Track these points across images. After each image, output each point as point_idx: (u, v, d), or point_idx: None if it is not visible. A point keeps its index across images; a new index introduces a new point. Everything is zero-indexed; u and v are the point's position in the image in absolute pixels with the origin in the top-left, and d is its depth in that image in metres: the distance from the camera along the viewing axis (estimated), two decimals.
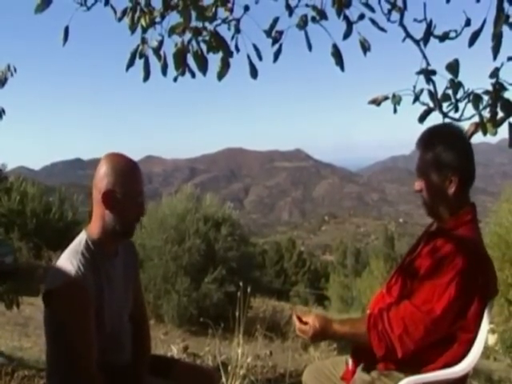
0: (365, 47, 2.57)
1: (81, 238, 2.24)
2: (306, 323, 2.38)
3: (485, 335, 2.23)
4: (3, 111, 4.40)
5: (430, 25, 2.35)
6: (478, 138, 2.42)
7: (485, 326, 2.25)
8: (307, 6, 2.50)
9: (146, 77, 2.51)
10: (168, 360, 2.76)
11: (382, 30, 2.49)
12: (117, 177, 2.19)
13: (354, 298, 34.75)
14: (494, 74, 2.18)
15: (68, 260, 2.14)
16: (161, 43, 2.43)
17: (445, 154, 2.28)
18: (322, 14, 2.49)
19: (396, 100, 2.37)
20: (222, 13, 2.43)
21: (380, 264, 32.63)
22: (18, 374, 4.61)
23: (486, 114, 2.31)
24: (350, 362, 2.47)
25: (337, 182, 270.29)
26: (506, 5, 2.10)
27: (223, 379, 4.51)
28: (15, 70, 4.43)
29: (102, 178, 2.20)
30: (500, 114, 2.26)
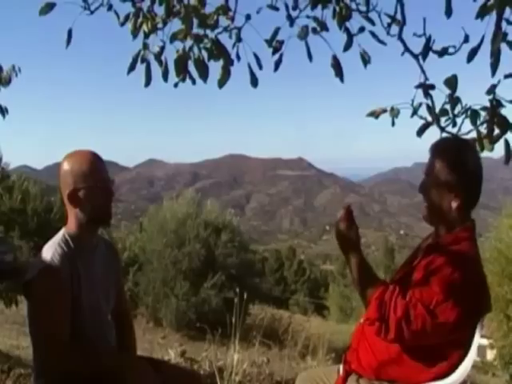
0: (365, 59, 2.59)
1: (60, 234, 2.36)
2: (350, 220, 2.38)
3: (476, 350, 2.25)
4: (6, 110, 4.43)
5: (429, 40, 2.37)
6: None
7: (476, 340, 2.27)
8: (308, 17, 2.52)
9: (148, 82, 2.54)
10: (154, 361, 2.77)
11: (382, 42, 2.51)
12: (74, 176, 2.30)
13: (353, 308, 34.62)
14: (491, 90, 2.19)
15: (45, 252, 2.27)
16: (162, 49, 2.46)
17: (461, 170, 2.26)
18: (322, 26, 2.51)
19: (394, 113, 2.39)
20: (224, 21, 2.46)
21: (380, 275, 32.49)
22: (14, 372, 4.64)
23: (483, 129, 2.33)
24: (342, 370, 2.48)
25: (338, 191, 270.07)
26: (503, 23, 2.12)
27: None
28: (20, 70, 4.46)
29: (63, 181, 2.33)
30: (496, 131, 2.28)
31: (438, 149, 2.36)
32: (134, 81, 2.56)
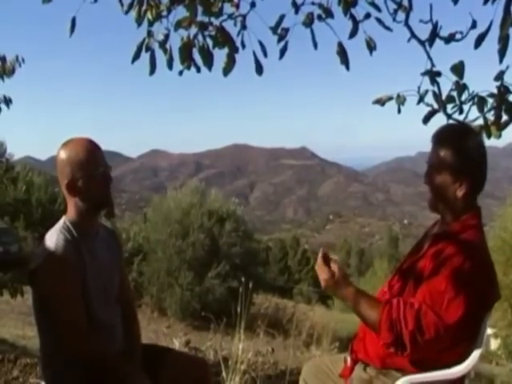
0: (371, 46, 2.58)
1: (61, 221, 2.36)
2: (328, 266, 2.31)
3: (485, 339, 2.24)
4: (10, 100, 4.44)
5: (435, 26, 2.35)
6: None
7: (485, 329, 2.26)
8: (313, 3, 2.51)
9: (152, 70, 2.53)
10: (160, 349, 2.79)
11: (388, 29, 2.50)
12: (71, 165, 2.29)
13: None
14: (499, 76, 2.18)
15: (48, 240, 2.27)
16: (167, 37, 2.45)
17: (464, 157, 2.25)
18: (328, 13, 2.50)
19: (400, 100, 2.38)
20: (229, 8, 2.45)
21: (384, 264, 32.63)
22: (20, 362, 4.68)
23: (491, 116, 2.31)
24: (349, 359, 2.48)
25: (342, 181, 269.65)
26: None
27: (223, 374, 4.54)
28: (23, 61, 4.48)
29: (61, 170, 2.32)
30: (504, 117, 2.26)
31: (440, 137, 2.34)
32: (138, 71, 2.55)
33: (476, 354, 2.21)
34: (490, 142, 2.38)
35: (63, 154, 2.32)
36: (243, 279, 4.84)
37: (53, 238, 2.25)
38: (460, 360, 2.22)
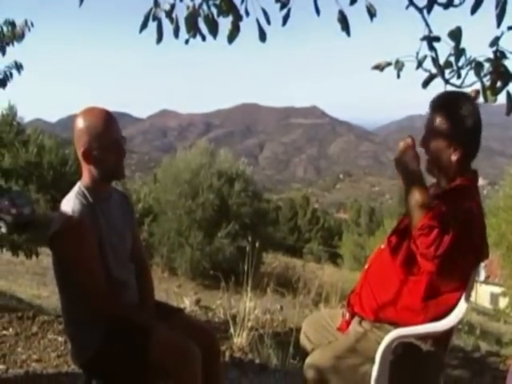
0: (371, 12, 2.62)
1: (76, 187, 2.47)
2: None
3: (471, 294, 2.36)
4: (21, 66, 4.50)
5: None
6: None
7: (472, 285, 2.38)
8: None
9: (159, 39, 2.59)
10: (169, 308, 2.83)
11: None
12: (90, 134, 2.38)
13: (366, 256, 34.74)
14: (494, 42, 2.23)
15: (65, 205, 2.37)
16: (173, 7, 2.50)
17: (457, 124, 2.36)
18: None
19: (399, 66, 2.43)
20: None
21: (394, 223, 32.51)
22: (38, 319, 4.83)
23: (486, 81, 2.37)
24: (347, 314, 2.61)
25: (353, 140, 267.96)
26: None
27: (231, 330, 4.70)
28: (32, 25, 4.51)
29: (78, 138, 2.41)
30: (499, 83, 2.32)
31: (435, 104, 2.46)
32: (146, 33, 2.60)
33: (461, 309, 2.33)
34: (500, 100, 2.45)
35: (82, 122, 2.40)
36: (250, 239, 4.95)
37: (69, 203, 2.35)
38: (448, 313, 2.35)
